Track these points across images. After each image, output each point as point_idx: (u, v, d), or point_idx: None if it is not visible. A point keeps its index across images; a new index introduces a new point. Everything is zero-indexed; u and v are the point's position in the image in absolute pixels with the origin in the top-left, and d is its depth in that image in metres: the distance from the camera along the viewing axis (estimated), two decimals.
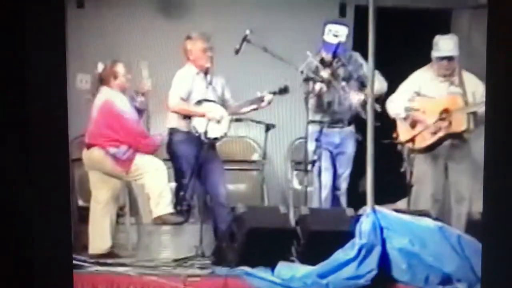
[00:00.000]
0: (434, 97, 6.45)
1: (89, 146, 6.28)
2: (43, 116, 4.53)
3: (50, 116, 4.55)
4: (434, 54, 6.41)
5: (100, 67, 6.33)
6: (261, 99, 6.47)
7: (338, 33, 6.44)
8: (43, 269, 4.51)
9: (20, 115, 4.44)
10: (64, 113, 4.62)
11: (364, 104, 6.25)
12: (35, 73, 4.48)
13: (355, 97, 6.41)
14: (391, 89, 6.48)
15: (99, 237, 6.21)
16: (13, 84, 4.42)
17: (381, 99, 6.31)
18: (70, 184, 4.93)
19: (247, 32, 6.31)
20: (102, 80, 6.32)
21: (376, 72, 6.06)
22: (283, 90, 6.45)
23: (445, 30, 6.72)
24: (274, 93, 6.46)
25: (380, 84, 6.29)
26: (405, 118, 6.47)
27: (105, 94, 6.31)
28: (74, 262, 5.68)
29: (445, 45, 6.40)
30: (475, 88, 6.35)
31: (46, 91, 4.54)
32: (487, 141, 4.81)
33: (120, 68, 6.31)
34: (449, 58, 6.39)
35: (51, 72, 4.54)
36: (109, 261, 5.97)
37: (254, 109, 6.54)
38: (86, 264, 5.82)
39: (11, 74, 4.41)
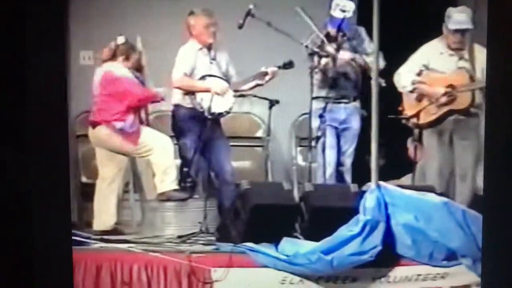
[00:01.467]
0: (442, 71, 6.40)
1: (94, 125, 6.26)
2: (42, 94, 4.50)
3: (49, 93, 4.53)
4: (449, 26, 6.34)
5: (121, 39, 6.28)
6: (264, 74, 6.45)
7: (345, 8, 6.39)
8: (42, 248, 4.51)
9: (19, 96, 4.43)
10: (64, 90, 4.59)
11: (353, 62, 6.30)
12: (34, 52, 4.46)
13: (344, 56, 6.38)
14: (399, 62, 6.43)
15: (104, 213, 6.21)
16: (12, 63, 4.41)
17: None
18: (69, 162, 4.89)
19: (251, 6, 6.26)
20: (114, 54, 6.27)
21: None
22: (288, 65, 6.41)
23: (453, 3, 6.65)
24: (279, 68, 6.43)
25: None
26: (411, 92, 6.43)
27: (104, 68, 6.28)
28: (78, 239, 5.75)
29: (459, 17, 6.32)
30: (485, 64, 6.28)
31: (45, 67, 4.52)
32: (487, 125, 4.81)
33: (135, 54, 6.28)
34: (463, 31, 6.33)
35: (50, 51, 4.51)
36: (113, 237, 5.96)
37: (259, 85, 6.50)
38: (90, 241, 5.82)
39: (10, 54, 4.40)
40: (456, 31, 6.33)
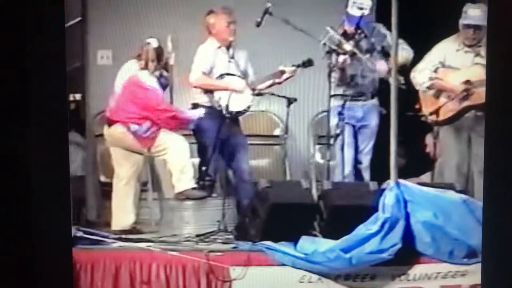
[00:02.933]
0: (458, 67, 6.38)
1: (110, 123, 6.26)
2: (42, 84, 4.51)
3: (49, 85, 4.53)
4: (462, 21, 6.33)
5: (155, 42, 6.28)
6: (282, 72, 6.44)
7: (362, 5, 6.36)
8: (43, 244, 4.52)
9: (21, 96, 4.45)
10: (63, 80, 4.59)
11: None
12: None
13: (382, 67, 6.35)
14: (416, 59, 6.41)
15: (122, 213, 6.22)
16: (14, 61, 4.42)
17: (407, 68, 6.24)
18: (68, 157, 4.89)
19: (268, 4, 6.26)
20: (154, 58, 6.27)
21: (401, 41, 5.98)
22: (307, 63, 6.41)
23: None
24: (298, 66, 6.43)
25: (406, 52, 6.23)
26: (429, 88, 6.40)
27: (130, 70, 6.28)
28: (97, 238, 5.76)
29: (474, 13, 6.31)
30: None
31: (47, 67, 4.53)
32: (487, 133, 4.78)
33: (165, 58, 6.29)
34: (476, 27, 6.30)
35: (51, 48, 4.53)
36: (132, 237, 5.96)
37: (277, 83, 6.50)
38: (109, 240, 5.82)
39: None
40: (469, 26, 6.31)
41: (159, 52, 6.28)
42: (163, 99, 6.30)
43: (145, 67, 6.24)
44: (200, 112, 6.34)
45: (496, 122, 4.76)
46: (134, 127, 6.23)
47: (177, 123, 6.32)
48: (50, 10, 4.50)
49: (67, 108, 4.73)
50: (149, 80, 6.26)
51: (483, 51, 6.35)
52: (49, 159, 4.55)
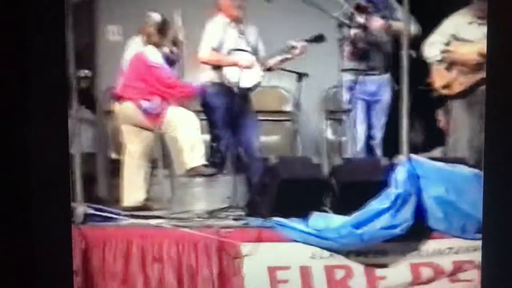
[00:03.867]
0: (471, 40, 6.31)
1: (120, 100, 6.25)
2: (44, 82, 4.50)
3: (49, 65, 4.51)
4: None
5: (157, 17, 6.24)
6: (293, 48, 6.39)
7: None
8: (42, 223, 4.52)
9: (20, 85, 4.43)
10: (64, 81, 4.58)
11: (385, 29, 6.24)
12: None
13: (376, 23, 6.29)
14: (427, 32, 6.33)
15: (133, 189, 6.21)
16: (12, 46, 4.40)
17: (417, 42, 6.18)
18: (69, 136, 4.88)
19: None
20: (155, 34, 6.23)
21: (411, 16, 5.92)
22: (318, 38, 6.35)
23: None
24: (309, 41, 6.37)
25: (413, 27, 6.15)
26: (441, 61, 6.34)
27: (137, 46, 6.26)
28: (108, 215, 5.76)
29: None
30: None
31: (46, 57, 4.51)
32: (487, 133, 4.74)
33: (169, 32, 6.24)
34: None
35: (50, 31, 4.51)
36: (143, 213, 5.96)
37: (288, 59, 6.46)
38: (120, 217, 5.82)
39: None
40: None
41: (161, 27, 6.24)
42: (169, 75, 6.28)
43: (148, 42, 6.22)
44: (204, 83, 6.32)
45: (497, 119, 4.71)
46: (144, 103, 6.22)
47: (186, 97, 6.32)
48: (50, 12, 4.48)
49: (67, 110, 4.70)
50: (155, 56, 6.23)
51: None
52: (50, 142, 4.53)
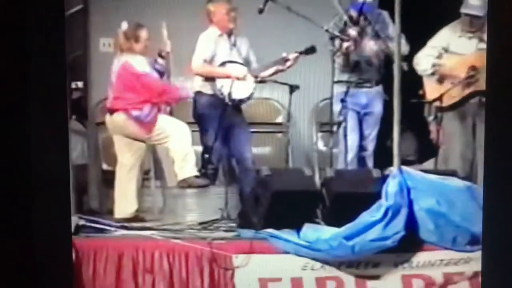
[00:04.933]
0: (462, 53, 6.35)
1: (111, 112, 6.26)
2: (43, 87, 4.50)
3: (49, 73, 4.52)
4: (461, 9, 6.30)
5: (124, 25, 6.28)
6: (285, 59, 6.41)
7: None
8: (43, 234, 4.52)
9: (21, 91, 4.43)
10: (63, 70, 4.58)
11: (378, 54, 6.26)
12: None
13: (370, 46, 6.32)
14: (419, 46, 6.37)
15: (125, 200, 6.22)
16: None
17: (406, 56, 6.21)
18: (69, 147, 4.90)
19: None
20: (124, 41, 6.26)
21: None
22: (310, 50, 6.37)
23: None
24: (301, 53, 6.39)
25: (402, 46, 6.17)
26: (432, 74, 6.37)
27: (122, 58, 6.28)
28: (100, 226, 5.76)
29: (473, 2, 6.28)
30: None
31: (46, 60, 4.52)
32: (487, 133, 4.76)
33: (143, 34, 6.26)
34: (475, 17, 6.28)
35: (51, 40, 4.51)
36: (135, 225, 5.97)
37: (280, 71, 6.48)
38: (112, 229, 5.82)
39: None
40: (468, 15, 6.28)
41: (129, 33, 6.25)
42: (157, 80, 6.29)
43: (121, 50, 6.25)
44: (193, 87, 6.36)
45: (497, 114, 4.72)
46: (135, 112, 6.23)
47: (176, 100, 6.36)
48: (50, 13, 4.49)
49: (67, 98, 4.70)
50: (141, 64, 6.26)
51: (485, 36, 6.33)
52: (49, 149, 4.54)
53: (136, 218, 6.18)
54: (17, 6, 4.41)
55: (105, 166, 6.60)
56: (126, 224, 5.94)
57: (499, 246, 4.74)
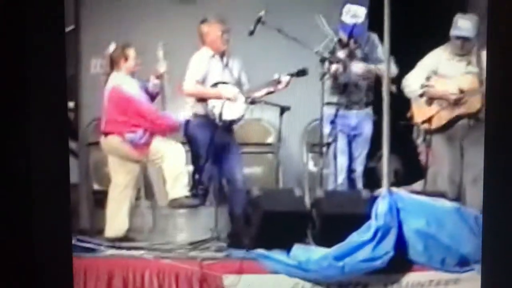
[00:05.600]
0: (451, 76, 6.40)
1: (106, 134, 6.28)
2: (43, 96, 4.51)
3: (49, 97, 4.54)
4: (452, 32, 6.35)
5: (112, 47, 6.32)
6: (277, 81, 6.46)
7: (356, 14, 6.38)
8: (43, 253, 4.52)
9: (20, 96, 4.44)
10: (63, 94, 4.60)
11: (367, 76, 6.31)
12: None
13: (357, 69, 6.37)
14: (408, 68, 6.41)
15: (116, 220, 6.20)
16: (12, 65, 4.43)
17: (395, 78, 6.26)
18: (69, 167, 4.91)
19: (261, 13, 6.27)
20: (113, 62, 6.31)
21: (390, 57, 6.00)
22: (301, 72, 6.41)
23: (463, 9, 6.65)
24: (292, 75, 6.44)
25: (392, 68, 6.21)
26: (421, 96, 6.43)
27: (113, 80, 6.30)
28: (90, 246, 5.76)
29: (463, 24, 6.34)
30: None
31: (47, 75, 4.53)
32: (487, 133, 4.80)
33: (131, 52, 6.30)
34: (465, 39, 6.34)
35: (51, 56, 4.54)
36: (125, 244, 5.97)
37: (271, 92, 6.52)
38: (102, 248, 5.83)
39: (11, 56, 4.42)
40: (458, 37, 6.34)
41: (117, 55, 6.30)
42: (148, 108, 6.32)
43: (106, 72, 6.30)
44: (185, 115, 6.37)
45: (496, 125, 4.75)
46: (129, 136, 6.25)
47: (168, 129, 6.35)
48: (50, 15, 4.51)
49: (67, 113, 4.71)
50: (131, 87, 6.29)
51: (474, 60, 6.40)
52: (49, 165, 4.55)
53: (126, 237, 6.17)
54: (17, 6, 4.42)
55: (96, 186, 6.61)
56: (116, 244, 5.95)
57: (499, 268, 4.77)
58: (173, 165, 6.23)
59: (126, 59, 6.30)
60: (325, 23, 6.29)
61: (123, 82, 6.28)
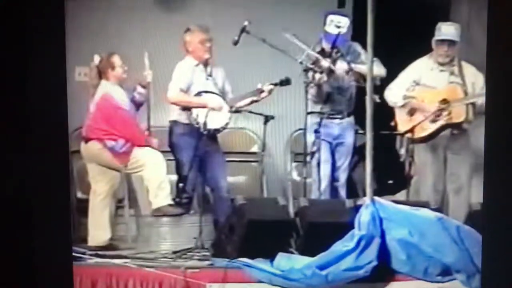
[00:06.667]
0: (434, 86, 6.45)
1: (86, 140, 6.28)
2: (43, 109, 4.50)
3: (49, 109, 4.53)
4: (436, 37, 6.40)
5: (97, 59, 6.33)
6: (260, 91, 6.48)
7: (340, 24, 6.42)
8: (43, 262, 4.50)
9: (20, 109, 4.43)
10: (64, 106, 4.60)
11: (350, 85, 6.38)
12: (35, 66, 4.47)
13: (341, 68, 6.40)
14: (390, 78, 6.47)
15: (98, 229, 6.22)
16: (13, 76, 4.41)
17: (378, 84, 6.28)
18: (70, 177, 4.91)
19: (246, 23, 6.30)
20: (100, 73, 6.32)
21: (376, 59, 6.02)
22: (285, 82, 6.45)
23: (445, 18, 6.69)
24: (276, 85, 6.47)
25: (378, 69, 6.23)
26: (403, 106, 6.47)
27: (103, 88, 6.31)
28: (73, 254, 5.73)
29: (446, 30, 6.39)
30: (475, 79, 6.36)
31: (46, 84, 4.52)
32: (487, 133, 4.79)
33: (116, 59, 6.32)
34: (450, 43, 6.37)
35: (51, 66, 4.53)
36: (109, 253, 5.96)
37: (254, 101, 6.55)
38: (86, 256, 5.80)
39: (11, 67, 4.41)
40: (442, 41, 6.38)
41: (103, 64, 6.32)
42: (134, 120, 6.34)
43: (92, 83, 6.31)
44: (163, 142, 6.40)
45: (496, 118, 4.75)
46: (110, 143, 6.26)
47: (148, 143, 6.37)
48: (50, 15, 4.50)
49: (66, 114, 4.69)
50: (121, 97, 6.31)
51: (456, 70, 6.45)
52: (49, 164, 4.53)
53: (110, 246, 6.18)
54: (17, 6, 4.41)
55: (79, 194, 6.61)
56: (99, 252, 5.93)
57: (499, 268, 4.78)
58: (154, 173, 6.24)
59: (113, 67, 6.31)
60: (297, 41, 6.31)
61: (114, 92, 6.31)
